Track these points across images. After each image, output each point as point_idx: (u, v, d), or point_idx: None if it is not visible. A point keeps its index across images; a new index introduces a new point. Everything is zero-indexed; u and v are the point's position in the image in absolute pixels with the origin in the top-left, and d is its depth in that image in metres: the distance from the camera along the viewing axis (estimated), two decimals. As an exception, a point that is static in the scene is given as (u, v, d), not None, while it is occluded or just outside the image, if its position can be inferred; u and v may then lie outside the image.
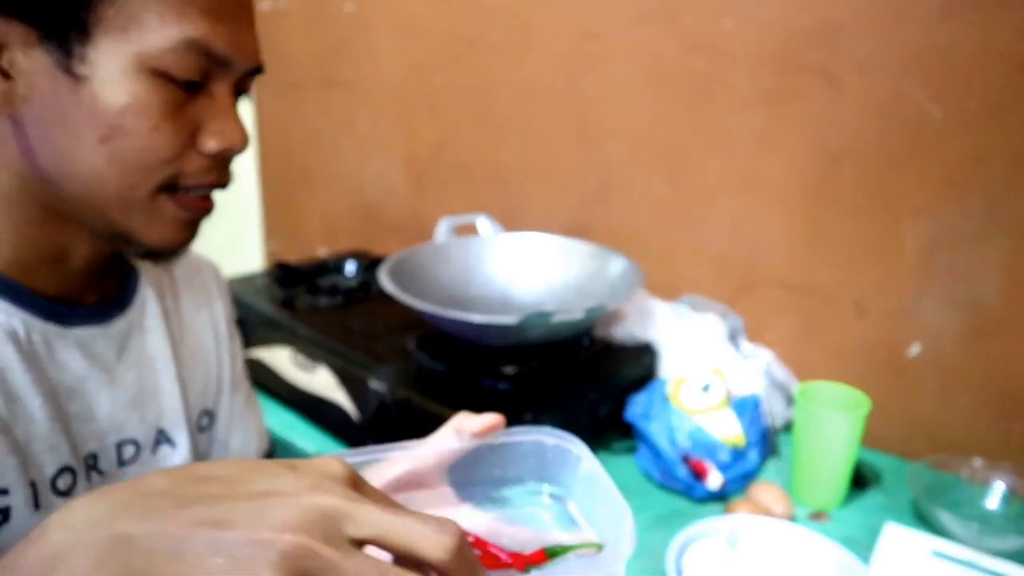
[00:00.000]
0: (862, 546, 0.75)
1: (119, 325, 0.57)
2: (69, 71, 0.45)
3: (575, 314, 0.85)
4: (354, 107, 1.49)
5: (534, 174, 1.26)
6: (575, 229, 1.19)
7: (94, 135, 0.46)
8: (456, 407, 0.81)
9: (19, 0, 0.44)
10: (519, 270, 1.09)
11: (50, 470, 0.50)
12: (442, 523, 0.29)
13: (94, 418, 0.55)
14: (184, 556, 0.27)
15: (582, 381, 0.92)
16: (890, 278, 0.95)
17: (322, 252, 1.57)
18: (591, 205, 1.20)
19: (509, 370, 0.89)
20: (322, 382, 0.97)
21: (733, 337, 1.01)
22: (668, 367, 0.99)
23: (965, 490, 0.85)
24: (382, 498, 0.31)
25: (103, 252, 0.55)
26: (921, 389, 0.96)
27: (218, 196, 0.54)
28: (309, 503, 0.28)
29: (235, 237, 1.77)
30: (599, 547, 0.41)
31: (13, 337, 0.49)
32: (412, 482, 0.47)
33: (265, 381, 1.06)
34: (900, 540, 0.76)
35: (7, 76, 0.46)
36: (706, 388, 0.89)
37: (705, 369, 0.92)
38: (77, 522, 0.28)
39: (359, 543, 0.28)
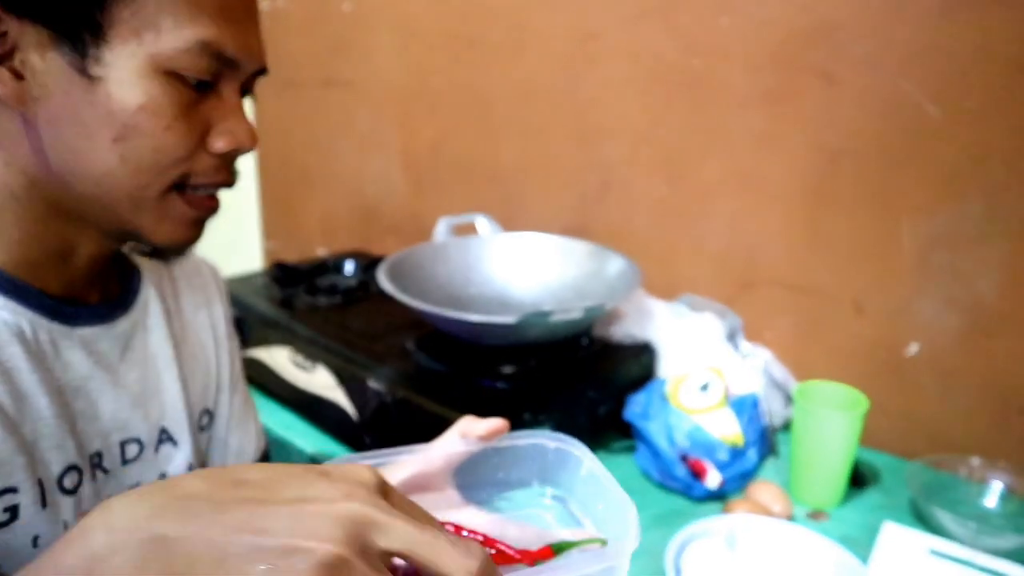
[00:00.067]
0: (861, 545, 0.76)
1: (122, 325, 0.58)
2: (83, 72, 0.45)
3: (574, 313, 0.85)
4: (353, 107, 1.49)
5: (533, 174, 1.26)
6: (574, 229, 1.19)
7: (108, 135, 0.47)
8: (455, 407, 0.82)
9: (34, 2, 0.44)
10: (518, 270, 1.09)
11: (57, 468, 0.51)
12: (469, 546, 0.30)
13: (98, 417, 0.55)
14: (226, 561, 0.28)
15: (581, 381, 0.92)
16: (889, 277, 0.95)
17: (321, 252, 1.57)
18: (590, 205, 1.20)
19: (508, 370, 0.89)
20: (321, 382, 0.97)
21: (732, 336, 1.02)
22: (667, 366, 0.99)
23: (963, 489, 0.85)
24: (410, 507, 0.33)
25: (108, 251, 0.55)
26: (920, 388, 0.96)
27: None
28: (344, 511, 0.29)
29: (234, 237, 1.77)
30: (603, 543, 0.42)
31: (20, 337, 0.50)
32: (419, 484, 0.47)
33: (264, 381, 1.06)
34: (898, 539, 0.76)
35: (20, 77, 0.46)
36: (705, 387, 0.89)
37: (704, 368, 0.92)
38: (117, 523, 0.28)
39: (387, 553, 0.30)
